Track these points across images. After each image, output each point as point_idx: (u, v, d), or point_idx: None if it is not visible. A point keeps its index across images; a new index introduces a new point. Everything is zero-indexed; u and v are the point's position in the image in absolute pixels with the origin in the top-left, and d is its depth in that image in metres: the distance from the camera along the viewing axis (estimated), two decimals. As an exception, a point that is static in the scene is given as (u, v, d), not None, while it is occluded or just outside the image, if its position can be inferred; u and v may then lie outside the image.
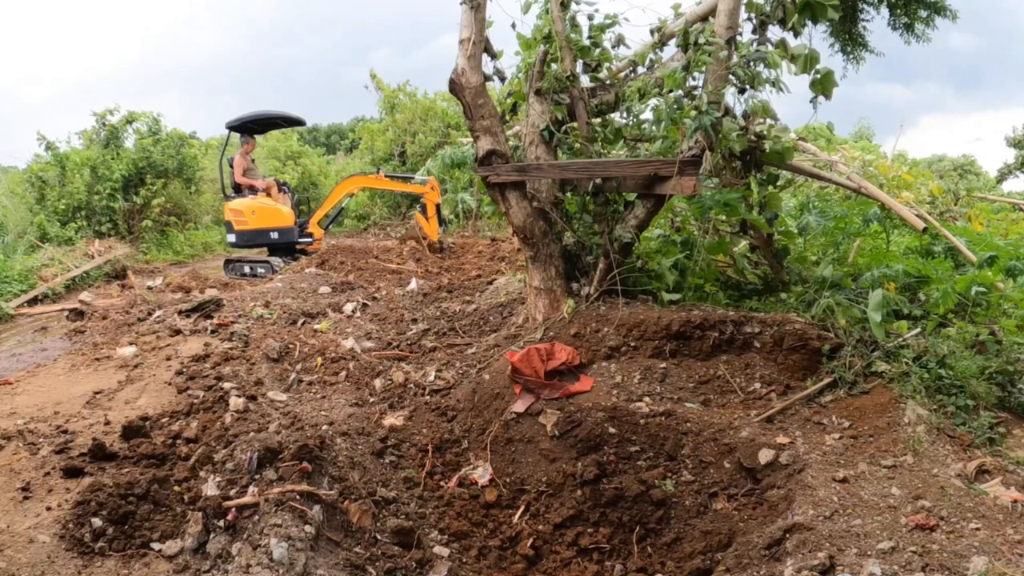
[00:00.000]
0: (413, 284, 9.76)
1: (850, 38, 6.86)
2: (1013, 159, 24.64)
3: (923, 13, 6.69)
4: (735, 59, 5.31)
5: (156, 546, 3.51)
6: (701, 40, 5.31)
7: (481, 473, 4.56)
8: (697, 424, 4.53)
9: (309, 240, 13.64)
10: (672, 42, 6.33)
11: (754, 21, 5.59)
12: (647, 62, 6.56)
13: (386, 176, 13.83)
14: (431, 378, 5.96)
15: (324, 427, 4.73)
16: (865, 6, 6.77)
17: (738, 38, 5.40)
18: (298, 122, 14.20)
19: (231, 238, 13.16)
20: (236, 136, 13.54)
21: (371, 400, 5.70)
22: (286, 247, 13.30)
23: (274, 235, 13.06)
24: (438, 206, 13.14)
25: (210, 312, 7.89)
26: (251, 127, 13.47)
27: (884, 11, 6.96)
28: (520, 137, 6.52)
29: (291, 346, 6.74)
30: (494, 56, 6.22)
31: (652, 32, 6.43)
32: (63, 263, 11.95)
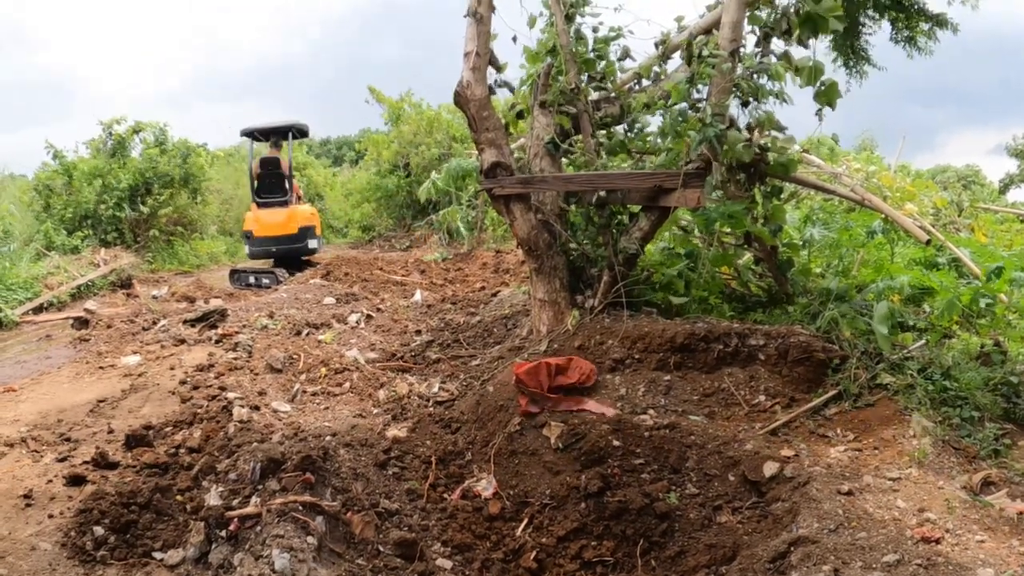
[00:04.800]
0: (417, 296, 9.78)
1: (852, 52, 6.88)
2: (1016, 169, 24.64)
3: (924, 26, 6.71)
4: (739, 71, 5.33)
5: (158, 555, 3.50)
6: (705, 53, 5.34)
7: (484, 485, 4.54)
8: (701, 437, 4.51)
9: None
10: (676, 55, 6.36)
11: (758, 34, 5.61)
12: (652, 74, 6.59)
13: None
14: (435, 390, 5.96)
15: (327, 438, 4.72)
16: (866, 20, 6.79)
17: (742, 51, 5.42)
18: (305, 132, 14.30)
19: (313, 243, 13.01)
20: (255, 143, 13.68)
21: (374, 411, 5.69)
22: (294, 257, 13.37)
23: (318, 242, 13.39)
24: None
25: (214, 322, 7.90)
26: (260, 136, 13.58)
27: (886, 25, 6.98)
28: (525, 149, 6.55)
29: (295, 357, 6.74)
30: (498, 69, 6.26)
31: (656, 45, 6.46)
32: (68, 271, 11.99)
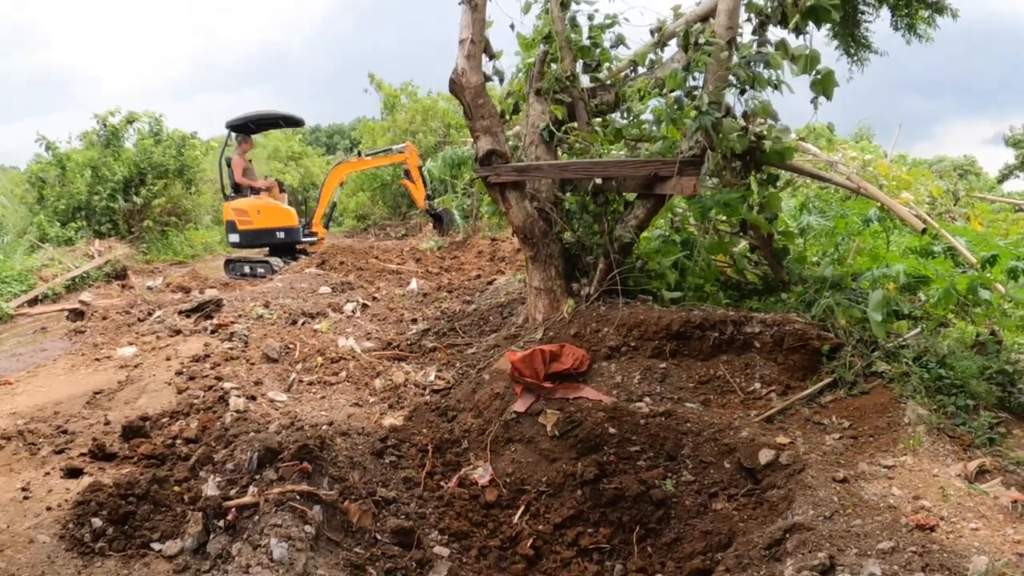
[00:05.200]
0: (413, 284, 9.76)
1: (853, 40, 6.86)
2: (1013, 159, 24.67)
3: (924, 13, 6.69)
4: (736, 59, 5.31)
5: (156, 546, 3.51)
6: (701, 40, 5.31)
7: (481, 473, 4.56)
8: (697, 424, 4.52)
9: (313, 239, 13.67)
10: (672, 42, 6.34)
11: (754, 21, 5.59)
12: (647, 62, 6.57)
13: (366, 155, 14.57)
14: (431, 378, 5.96)
15: (324, 427, 4.73)
16: (865, 8, 6.77)
17: (739, 39, 5.40)
18: (297, 122, 14.20)
19: (234, 238, 12.94)
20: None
21: (371, 400, 5.70)
22: (288, 247, 13.28)
23: (280, 235, 13.04)
24: (420, 168, 13.86)
25: (210, 312, 7.89)
26: (251, 127, 13.46)
27: (885, 13, 6.96)
28: (520, 137, 6.53)
29: (291, 346, 6.74)
30: (493, 56, 6.23)
31: (652, 32, 6.43)
32: (63, 263, 11.95)
